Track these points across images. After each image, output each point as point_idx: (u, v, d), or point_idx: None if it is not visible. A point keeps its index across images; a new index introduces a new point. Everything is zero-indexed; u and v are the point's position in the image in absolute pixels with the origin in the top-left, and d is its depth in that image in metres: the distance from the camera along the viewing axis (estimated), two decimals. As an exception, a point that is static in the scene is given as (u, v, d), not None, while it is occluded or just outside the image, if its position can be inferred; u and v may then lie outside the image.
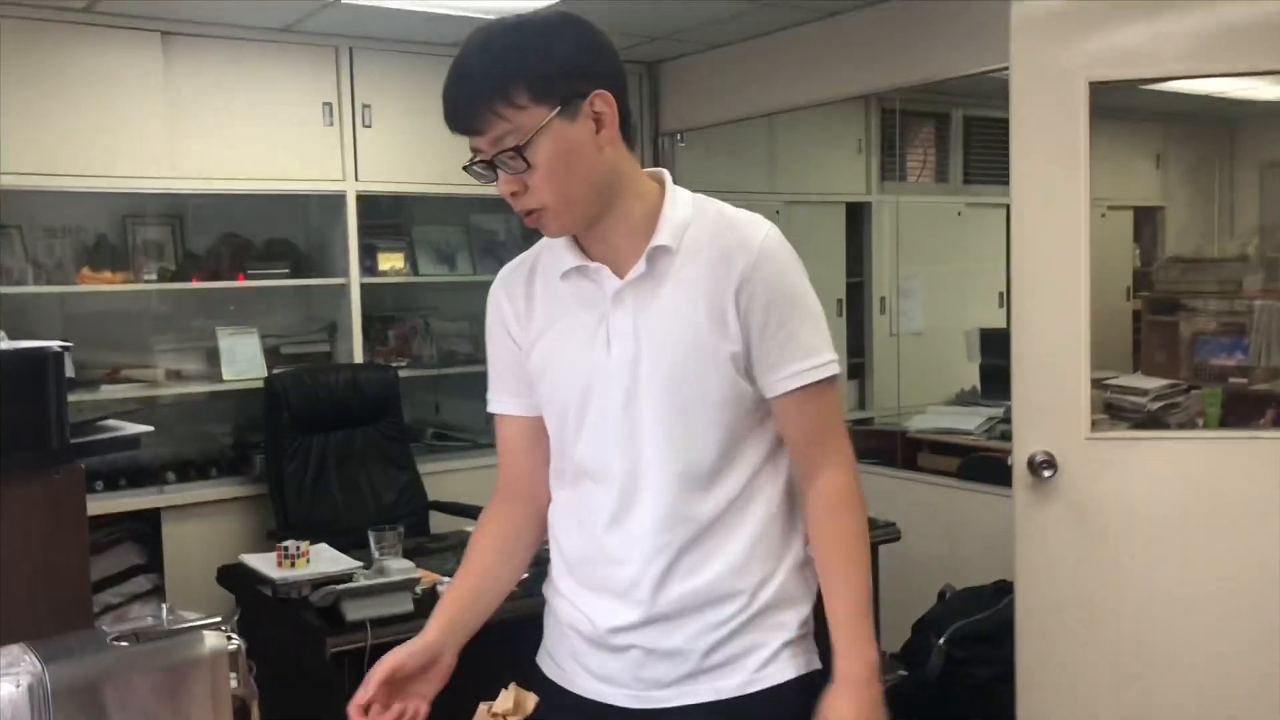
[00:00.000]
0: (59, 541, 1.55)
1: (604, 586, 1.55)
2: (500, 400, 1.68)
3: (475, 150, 1.44)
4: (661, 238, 1.49)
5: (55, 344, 1.54)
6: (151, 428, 1.70)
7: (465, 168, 1.47)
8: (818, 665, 1.56)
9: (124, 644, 1.36)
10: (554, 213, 1.46)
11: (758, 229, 1.52)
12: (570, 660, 1.61)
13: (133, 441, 1.66)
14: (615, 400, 1.51)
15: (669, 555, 1.50)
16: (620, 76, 1.48)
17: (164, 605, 1.43)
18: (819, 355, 1.51)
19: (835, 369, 1.53)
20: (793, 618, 1.54)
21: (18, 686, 1.25)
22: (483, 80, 1.39)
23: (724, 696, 1.52)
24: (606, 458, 1.52)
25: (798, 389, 1.50)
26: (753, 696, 1.51)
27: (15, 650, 1.31)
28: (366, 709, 1.51)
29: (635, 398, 1.50)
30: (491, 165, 1.43)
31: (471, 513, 3.86)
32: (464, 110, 1.41)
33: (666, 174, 1.58)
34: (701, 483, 1.50)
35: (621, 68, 1.49)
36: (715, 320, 1.48)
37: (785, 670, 1.53)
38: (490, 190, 1.47)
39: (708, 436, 1.50)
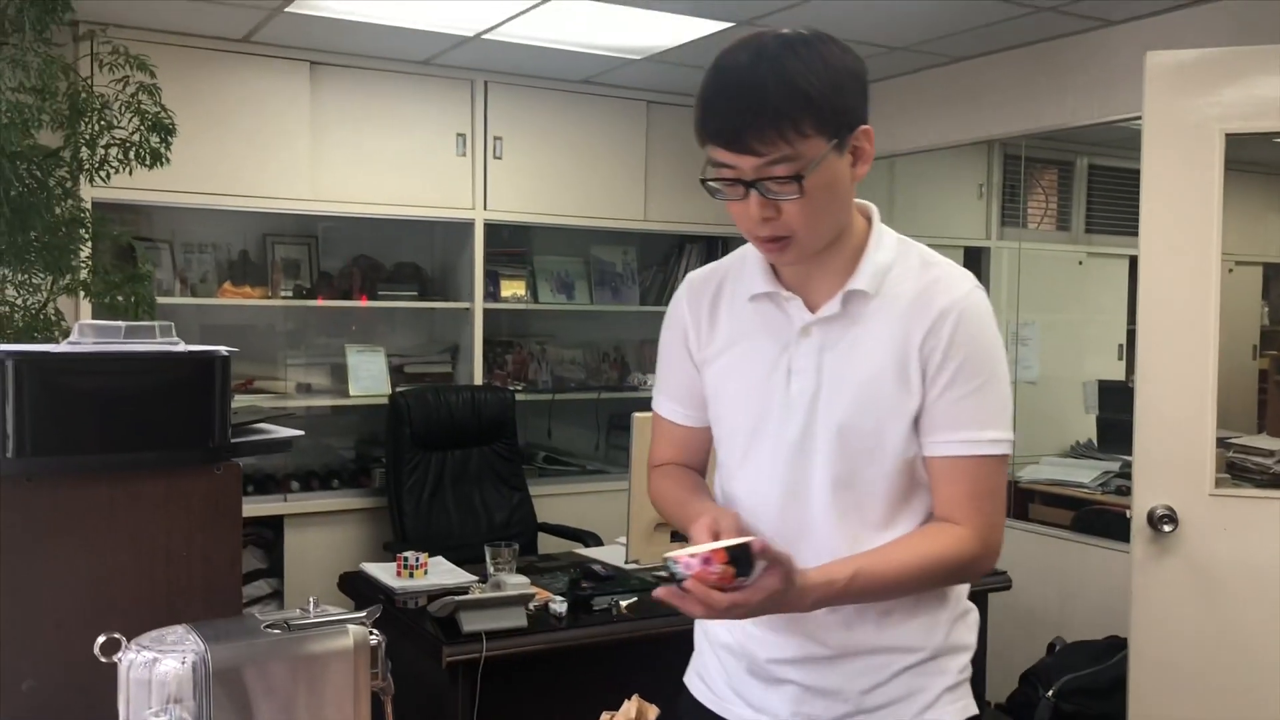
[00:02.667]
0: (217, 533, 1.65)
1: (765, 621, 1.48)
2: (667, 405, 1.67)
3: (723, 165, 1.38)
4: (860, 281, 1.45)
5: (223, 349, 1.64)
6: (302, 432, 1.80)
7: (704, 181, 1.42)
8: (974, 711, 1.53)
9: (276, 631, 1.44)
10: (799, 243, 1.41)
11: (962, 283, 1.47)
12: (725, 687, 1.59)
13: (285, 444, 1.76)
14: (789, 436, 1.48)
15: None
16: None
17: (311, 599, 1.51)
18: (993, 430, 1.44)
19: (1007, 449, 1.45)
20: (953, 664, 1.52)
21: (183, 663, 1.34)
22: (779, 104, 1.33)
23: None
24: (770, 490, 1.49)
25: (958, 458, 1.44)
26: None
27: (180, 630, 1.41)
28: None
29: (810, 436, 1.46)
30: (744, 185, 1.37)
31: (580, 536, 3.94)
32: (750, 130, 1.33)
33: (875, 210, 1.53)
34: (870, 527, 1.46)
35: None
36: (899, 371, 1.44)
37: (944, 715, 1.50)
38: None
39: (877, 487, 1.45)
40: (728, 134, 1.35)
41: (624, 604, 2.82)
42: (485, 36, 3.88)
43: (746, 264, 1.55)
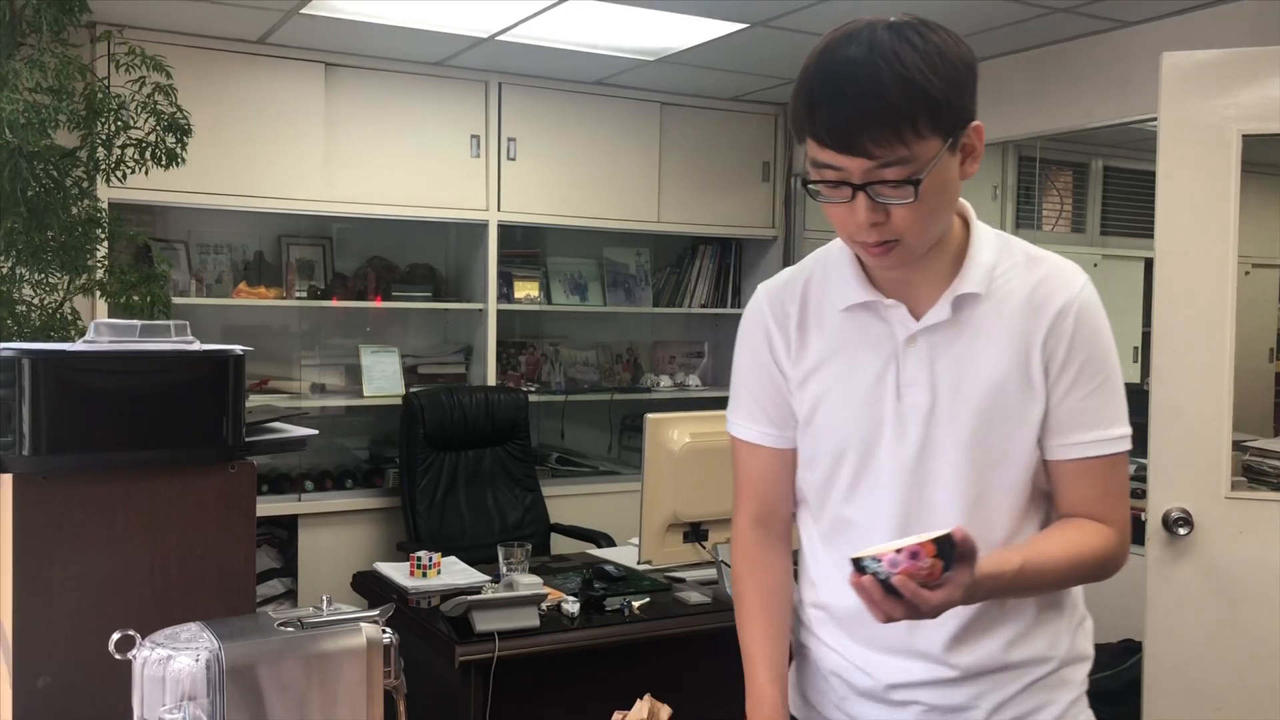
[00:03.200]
0: (230, 531, 1.65)
1: (884, 644, 1.43)
2: (750, 428, 1.54)
3: (828, 167, 1.28)
4: (969, 284, 1.38)
5: (237, 348, 1.65)
6: (316, 431, 1.80)
7: (805, 184, 1.33)
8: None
9: (289, 629, 1.45)
10: (906, 246, 1.32)
11: (1076, 277, 1.40)
12: (835, 709, 1.52)
13: (300, 443, 1.77)
14: (906, 455, 1.39)
15: (961, 619, 1.39)
16: None
17: (325, 597, 1.52)
18: (1118, 426, 1.40)
19: (1129, 445, 1.41)
20: (1078, 674, 1.47)
21: (197, 660, 1.35)
22: (897, 104, 1.23)
23: None
24: (886, 514, 1.40)
25: (1089, 459, 1.39)
26: None
27: (194, 627, 1.42)
28: None
29: (930, 454, 1.38)
30: (852, 188, 1.27)
31: (592, 537, 3.94)
32: (866, 132, 1.23)
33: (969, 207, 1.44)
34: (994, 545, 1.37)
35: None
36: (1021, 375, 1.37)
37: None
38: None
39: (1005, 501, 1.38)
40: (839, 135, 1.25)
41: (636, 605, 2.82)
42: (499, 38, 3.89)
43: (830, 270, 1.46)
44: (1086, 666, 1.48)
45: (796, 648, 1.58)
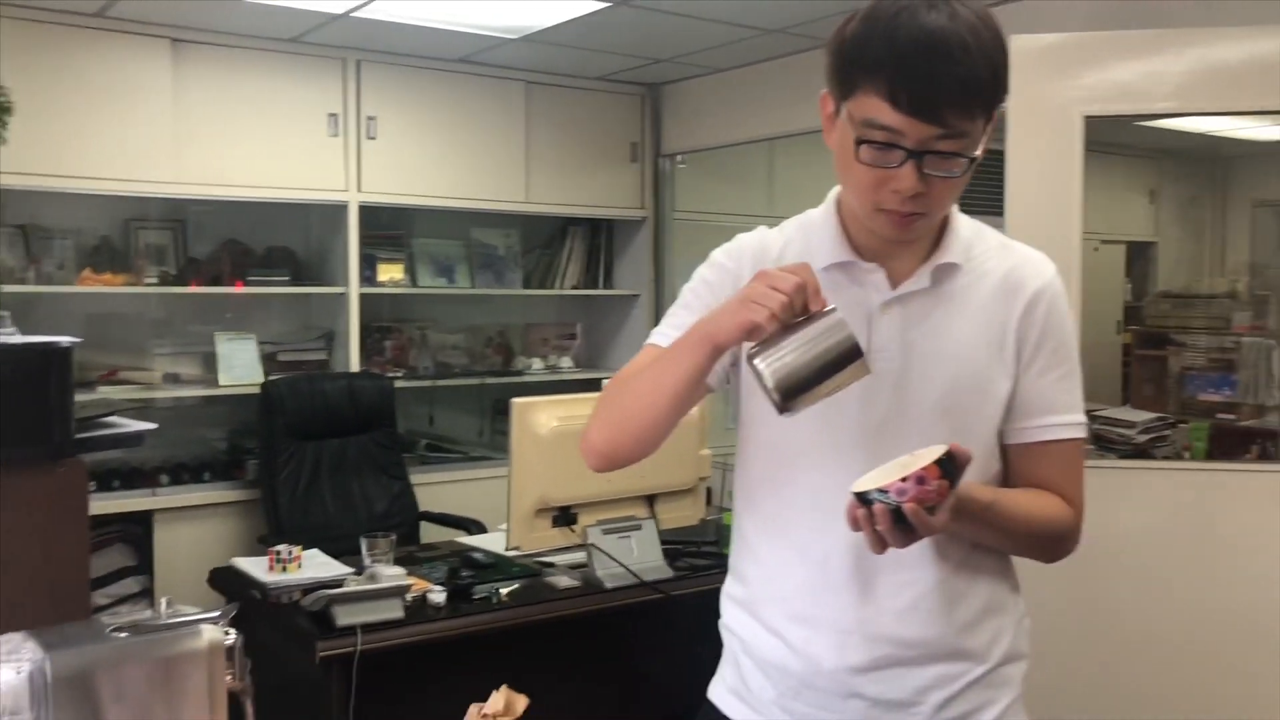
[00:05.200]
0: (60, 534, 1.57)
1: (829, 622, 1.41)
2: (673, 338, 1.42)
3: (884, 128, 1.25)
4: (951, 254, 1.40)
5: (63, 339, 1.56)
6: (155, 425, 1.72)
7: (860, 142, 1.27)
8: None
9: (122, 635, 1.38)
10: (929, 219, 1.35)
11: (1047, 266, 1.44)
12: (775, 709, 1.47)
13: (136, 438, 1.69)
14: (872, 419, 1.38)
15: (912, 594, 1.39)
16: None
17: (163, 599, 1.45)
18: (1079, 413, 1.43)
19: (1087, 432, 1.44)
20: (1017, 673, 1.47)
21: (18, 673, 1.27)
22: (984, 78, 1.23)
23: None
24: (848, 479, 1.29)
25: (1051, 441, 1.41)
26: None
27: (16, 638, 1.33)
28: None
29: (899, 419, 1.37)
30: (905, 152, 1.25)
31: (462, 524, 3.89)
32: (948, 102, 1.22)
33: None
34: None
35: None
36: (994, 352, 1.39)
37: None
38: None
39: (969, 472, 1.32)
40: (921, 101, 1.22)
41: (504, 592, 2.79)
42: (356, 14, 3.78)
43: (812, 234, 1.45)
44: (1024, 666, 1.49)
45: (729, 651, 1.55)
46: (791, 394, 1.23)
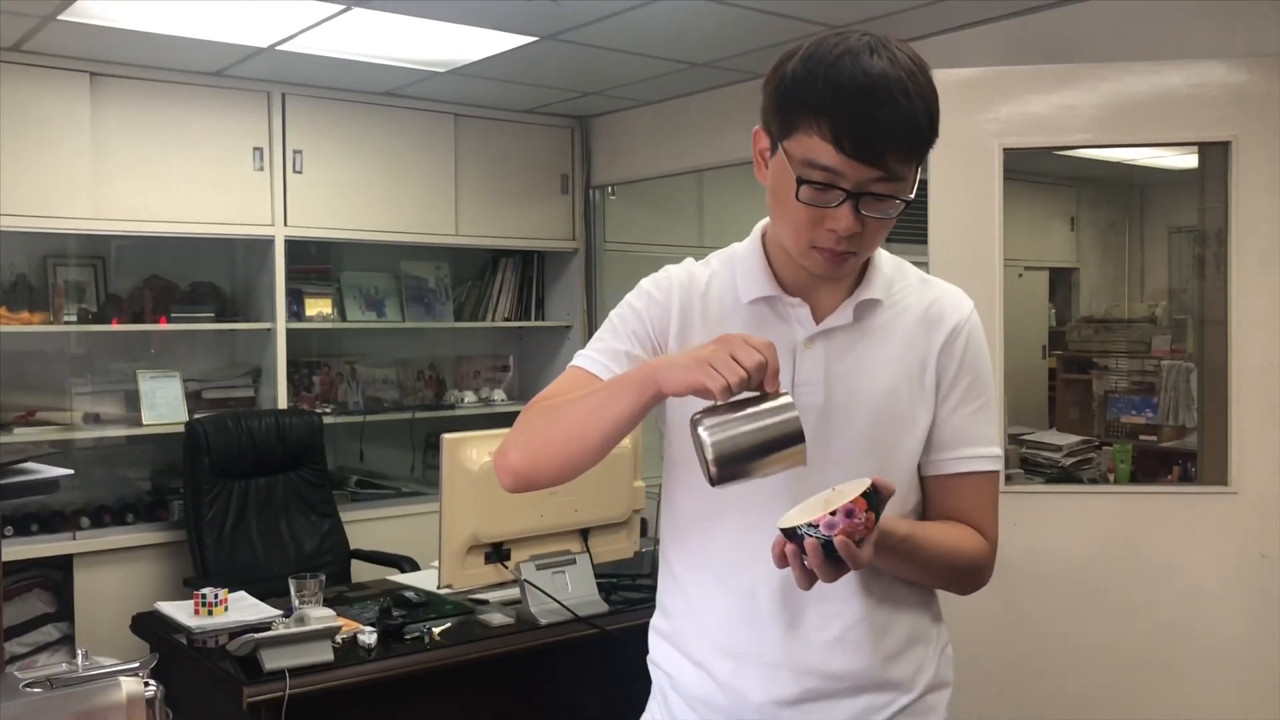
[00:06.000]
0: (-30, 586, 1.51)
1: (756, 656, 1.42)
2: (599, 361, 1.45)
3: (825, 169, 1.27)
4: (874, 290, 1.42)
5: (-26, 384, 1.51)
6: (71, 471, 1.67)
7: (801, 182, 1.29)
8: None
9: (37, 690, 1.33)
10: (859, 258, 1.38)
11: (965, 301, 1.47)
12: None
13: (51, 484, 1.63)
14: None
15: (840, 626, 1.41)
16: None
17: (81, 650, 1.41)
18: (993, 445, 1.46)
19: (1002, 465, 1.47)
20: (941, 700, 1.48)
21: (-76, 734, 1.22)
22: (924, 125, 1.27)
23: None
24: (772, 514, 1.30)
25: (967, 474, 1.44)
26: None
27: (-78, 697, 1.28)
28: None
29: (821, 457, 1.35)
30: (844, 193, 1.28)
31: (394, 561, 3.83)
32: (891, 146, 1.25)
33: None
34: None
35: None
36: (914, 386, 1.42)
37: None
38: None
39: (890, 509, 1.33)
40: (865, 145, 1.24)
41: (436, 631, 2.75)
42: (280, 48, 3.74)
43: (738, 268, 1.46)
44: (949, 694, 1.50)
45: (656, 687, 1.55)
46: (727, 467, 1.24)
